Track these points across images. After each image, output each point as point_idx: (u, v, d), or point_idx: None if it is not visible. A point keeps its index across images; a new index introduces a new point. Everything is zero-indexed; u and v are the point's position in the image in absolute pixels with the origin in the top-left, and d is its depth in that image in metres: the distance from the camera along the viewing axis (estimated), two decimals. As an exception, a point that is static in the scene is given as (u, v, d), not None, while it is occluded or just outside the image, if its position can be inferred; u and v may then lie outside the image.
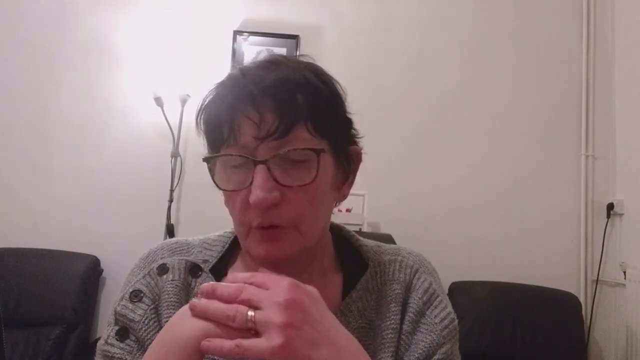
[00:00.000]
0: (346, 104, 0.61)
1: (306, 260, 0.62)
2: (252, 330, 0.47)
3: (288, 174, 0.54)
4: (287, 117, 0.53)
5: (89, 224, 2.16)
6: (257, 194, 0.53)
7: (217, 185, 0.57)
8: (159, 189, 2.16)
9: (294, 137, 0.54)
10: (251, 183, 0.54)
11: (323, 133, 0.56)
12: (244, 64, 0.61)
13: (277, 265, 0.56)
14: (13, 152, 2.20)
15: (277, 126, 0.53)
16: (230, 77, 0.59)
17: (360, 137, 0.64)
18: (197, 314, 0.50)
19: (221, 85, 0.59)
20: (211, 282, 0.53)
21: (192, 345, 0.48)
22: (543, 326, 1.95)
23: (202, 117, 0.59)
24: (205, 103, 0.59)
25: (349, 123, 0.62)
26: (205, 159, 0.58)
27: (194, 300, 0.51)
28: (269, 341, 0.46)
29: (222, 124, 0.55)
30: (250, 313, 0.47)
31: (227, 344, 0.46)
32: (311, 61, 0.60)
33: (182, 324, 0.50)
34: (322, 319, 0.50)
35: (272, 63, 0.58)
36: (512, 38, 2.36)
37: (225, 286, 0.51)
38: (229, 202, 0.59)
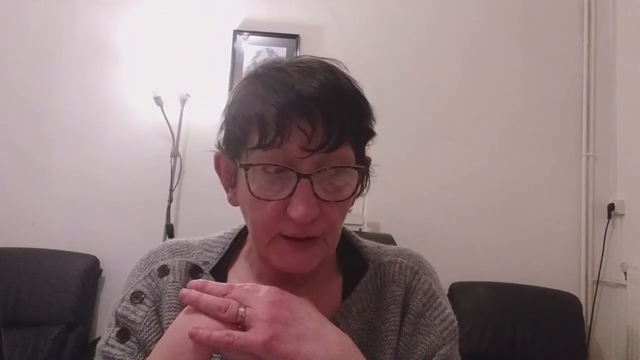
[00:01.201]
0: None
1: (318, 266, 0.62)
2: (239, 325, 0.50)
3: (327, 189, 0.54)
4: (337, 133, 0.52)
5: (89, 224, 2.16)
6: (300, 210, 0.52)
7: (252, 193, 0.54)
8: (159, 189, 2.15)
9: (339, 154, 0.53)
10: (291, 195, 0.53)
11: (360, 149, 0.57)
12: (276, 60, 0.59)
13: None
14: (12, 152, 2.20)
15: (326, 141, 0.52)
16: (268, 74, 0.56)
17: (374, 144, 0.64)
18: (188, 302, 0.52)
19: (258, 79, 0.56)
20: (200, 280, 0.55)
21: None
22: (543, 327, 1.95)
23: (234, 109, 0.57)
24: (241, 94, 0.57)
25: (373, 134, 0.61)
26: (244, 166, 0.54)
27: (184, 290, 0.53)
28: (256, 335, 0.48)
29: (266, 125, 0.52)
30: (241, 309, 0.50)
31: (217, 332, 0.48)
32: (336, 63, 0.59)
33: (190, 322, 0.51)
34: (310, 317, 0.52)
35: (310, 67, 0.55)
36: (513, 39, 2.35)
37: (214, 284, 0.53)
38: (254, 208, 0.56)
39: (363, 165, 0.59)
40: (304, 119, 0.52)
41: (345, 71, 0.59)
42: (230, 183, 0.62)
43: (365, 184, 0.63)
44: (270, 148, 0.52)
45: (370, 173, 0.63)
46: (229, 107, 0.58)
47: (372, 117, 0.60)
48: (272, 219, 0.54)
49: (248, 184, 0.54)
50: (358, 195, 0.63)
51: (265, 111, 0.53)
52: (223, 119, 0.59)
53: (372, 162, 0.64)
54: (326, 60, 0.59)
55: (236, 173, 0.59)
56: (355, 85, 0.58)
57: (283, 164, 0.52)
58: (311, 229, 0.55)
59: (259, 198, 0.54)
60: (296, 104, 0.52)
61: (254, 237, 0.59)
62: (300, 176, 0.52)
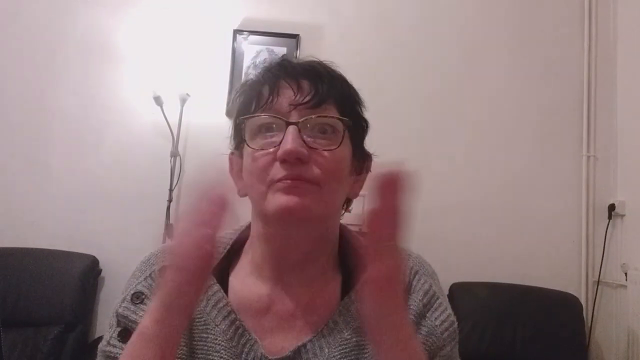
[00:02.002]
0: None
1: (317, 250, 0.64)
2: None
3: (315, 139, 0.59)
4: (321, 91, 0.60)
5: (88, 224, 2.15)
6: (287, 146, 0.56)
7: (248, 145, 0.61)
8: (158, 188, 2.15)
9: (324, 109, 0.60)
10: (282, 140, 0.57)
11: (347, 115, 0.62)
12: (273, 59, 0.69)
13: (290, 235, 0.61)
14: (12, 151, 2.19)
15: (312, 96, 0.60)
16: (271, 63, 0.66)
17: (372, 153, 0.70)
18: None
19: (259, 71, 0.65)
20: None
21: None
22: (543, 327, 1.94)
23: (240, 95, 0.66)
24: (245, 85, 0.66)
25: (366, 124, 0.68)
26: (240, 120, 0.63)
27: None
28: None
29: (261, 92, 0.61)
30: None
31: None
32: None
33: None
34: None
35: (306, 62, 0.65)
36: (513, 38, 2.35)
37: None
38: (251, 164, 0.60)
39: (357, 150, 0.65)
40: (292, 81, 0.61)
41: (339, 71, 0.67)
42: (239, 168, 0.65)
43: (362, 169, 0.67)
44: (265, 107, 0.60)
45: (366, 162, 0.68)
46: (237, 96, 0.66)
47: (362, 102, 0.67)
48: (265, 167, 0.58)
49: (246, 139, 0.61)
50: (359, 187, 0.66)
51: (262, 82, 0.63)
52: (232, 105, 0.68)
53: (372, 162, 0.65)
54: (325, 61, 0.67)
55: (241, 151, 0.64)
56: (345, 76, 0.67)
57: (273, 115, 0.59)
58: (303, 170, 0.57)
59: (254, 149, 0.60)
60: (288, 70, 0.62)
61: (252, 193, 0.61)
62: (288, 124, 0.58)
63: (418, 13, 2.34)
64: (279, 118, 0.59)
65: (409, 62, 2.32)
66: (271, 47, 2.27)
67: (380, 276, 0.52)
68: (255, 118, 0.61)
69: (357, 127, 0.65)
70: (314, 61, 0.65)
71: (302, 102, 0.59)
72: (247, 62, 2.24)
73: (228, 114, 0.62)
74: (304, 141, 0.57)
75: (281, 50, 2.26)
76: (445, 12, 2.35)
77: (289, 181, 0.57)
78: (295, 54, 2.26)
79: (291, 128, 0.57)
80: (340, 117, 0.61)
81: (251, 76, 0.66)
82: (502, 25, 2.36)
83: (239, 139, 0.64)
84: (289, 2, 2.33)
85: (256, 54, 2.26)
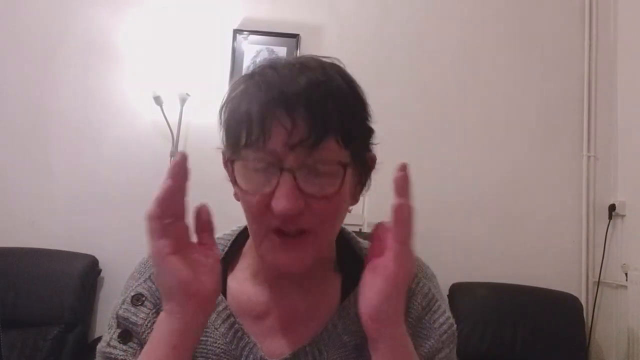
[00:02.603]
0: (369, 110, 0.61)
1: (315, 263, 0.62)
2: None
3: (312, 183, 0.53)
4: (320, 127, 0.52)
5: (88, 224, 2.15)
6: (283, 203, 0.51)
7: (238, 184, 0.56)
8: (158, 188, 2.14)
9: (323, 148, 0.53)
10: (275, 188, 0.53)
11: (349, 145, 0.55)
12: (272, 60, 0.59)
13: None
14: (11, 151, 2.19)
15: (308, 135, 0.52)
16: (260, 73, 0.57)
17: (377, 144, 0.63)
18: None
19: (251, 79, 0.57)
20: None
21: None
22: (544, 328, 1.94)
23: (227, 110, 0.58)
24: (233, 95, 0.58)
25: (371, 132, 0.61)
26: (229, 158, 0.57)
27: None
28: None
29: (251, 123, 0.53)
30: None
31: None
32: (336, 62, 0.60)
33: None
34: None
35: (303, 64, 0.56)
36: (513, 37, 2.34)
37: None
38: (244, 201, 0.57)
39: (359, 162, 0.58)
40: (285, 114, 0.52)
41: (343, 70, 0.59)
42: (233, 177, 0.61)
43: (365, 183, 0.62)
44: (256, 146, 0.53)
45: (369, 167, 0.62)
46: (223, 108, 0.59)
47: (367, 115, 0.60)
48: (260, 211, 0.54)
49: (235, 177, 0.56)
50: (360, 193, 0.63)
51: (251, 110, 0.54)
52: (220, 118, 0.59)
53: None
54: (325, 59, 0.59)
55: (232, 167, 0.59)
56: (350, 83, 0.58)
57: (266, 158, 0.53)
58: (298, 222, 0.54)
59: (246, 191, 0.55)
60: (278, 101, 0.52)
61: (250, 230, 0.60)
62: (283, 170, 0.52)
63: (418, 13, 2.34)
64: (273, 162, 0.53)
65: (409, 62, 2.31)
66: (271, 47, 2.27)
67: (398, 274, 0.53)
68: (245, 160, 0.55)
69: (360, 147, 0.59)
70: (315, 77, 0.54)
71: (298, 143, 0.52)
72: (247, 61, 2.24)
73: (219, 115, 0.58)
74: (300, 188, 0.52)
75: (281, 50, 2.26)
76: (445, 11, 2.34)
77: (283, 236, 0.55)
78: (295, 54, 2.25)
79: (286, 176, 0.52)
80: (341, 162, 0.54)
81: (240, 87, 0.58)
82: (501, 25, 2.35)
83: (229, 152, 0.59)
84: (289, 2, 2.33)
85: (256, 53, 2.25)
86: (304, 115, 0.52)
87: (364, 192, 0.63)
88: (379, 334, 0.54)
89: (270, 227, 0.55)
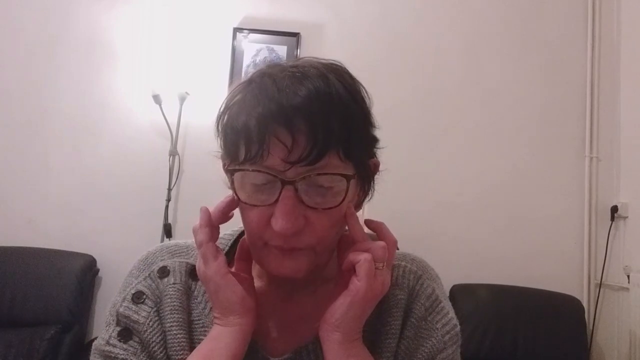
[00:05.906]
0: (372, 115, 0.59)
1: (314, 270, 0.61)
2: None
3: (314, 196, 0.52)
4: (321, 142, 0.50)
5: (85, 223, 2.14)
6: (282, 223, 0.51)
7: (238, 197, 0.55)
8: (157, 187, 2.14)
9: (324, 163, 0.51)
10: (275, 202, 0.52)
11: (352, 158, 0.54)
12: (270, 65, 0.57)
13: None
14: (9, 150, 2.18)
15: (309, 152, 0.50)
16: (258, 82, 0.54)
17: (381, 148, 0.61)
18: None
19: (248, 87, 0.55)
20: None
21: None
22: (545, 330, 1.93)
23: (224, 121, 0.56)
24: (231, 104, 0.55)
25: (374, 141, 0.59)
26: (228, 168, 0.56)
27: None
28: None
29: (249, 139, 0.51)
30: None
31: None
32: (337, 65, 0.57)
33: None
34: None
35: (303, 73, 0.53)
36: (516, 39, 2.33)
37: None
38: (243, 213, 0.56)
39: (363, 171, 0.57)
40: (284, 130, 0.50)
41: (346, 74, 0.57)
42: (232, 185, 0.60)
43: (368, 190, 0.61)
44: (255, 161, 0.51)
45: (372, 172, 0.60)
46: (220, 117, 0.57)
47: (370, 123, 0.57)
48: (260, 226, 0.54)
49: (235, 189, 0.55)
50: (361, 202, 0.62)
51: (249, 124, 0.51)
52: (217, 126, 0.57)
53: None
54: (326, 63, 0.56)
55: (232, 176, 0.58)
56: (352, 92, 0.55)
57: (267, 172, 0.51)
58: (296, 242, 0.53)
59: (245, 203, 0.54)
60: (276, 115, 0.50)
61: (248, 241, 0.59)
62: (284, 183, 0.51)
63: (418, 12, 2.33)
64: (274, 176, 0.51)
65: (409, 62, 2.30)
66: (271, 46, 2.25)
67: (360, 291, 0.54)
68: (245, 171, 0.53)
69: (364, 158, 0.57)
70: (315, 88, 0.52)
71: (298, 160, 0.50)
72: (247, 60, 2.23)
73: (216, 124, 0.55)
74: (301, 201, 0.52)
75: (281, 49, 2.25)
76: (447, 11, 2.33)
77: (282, 249, 0.55)
78: (295, 53, 2.24)
79: (287, 191, 0.51)
80: (343, 174, 0.53)
81: (237, 97, 0.55)
82: (504, 26, 2.34)
83: (228, 161, 0.57)
84: (289, 1, 2.32)
85: (256, 52, 2.24)
86: (304, 131, 0.50)
87: (367, 199, 0.62)
88: (327, 336, 0.56)
89: (270, 244, 0.55)
